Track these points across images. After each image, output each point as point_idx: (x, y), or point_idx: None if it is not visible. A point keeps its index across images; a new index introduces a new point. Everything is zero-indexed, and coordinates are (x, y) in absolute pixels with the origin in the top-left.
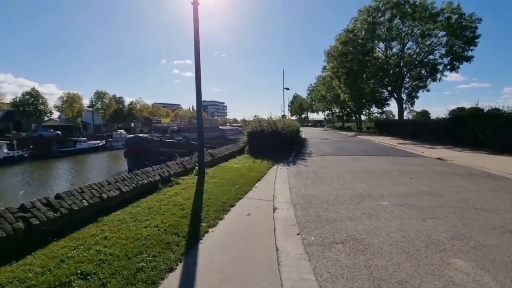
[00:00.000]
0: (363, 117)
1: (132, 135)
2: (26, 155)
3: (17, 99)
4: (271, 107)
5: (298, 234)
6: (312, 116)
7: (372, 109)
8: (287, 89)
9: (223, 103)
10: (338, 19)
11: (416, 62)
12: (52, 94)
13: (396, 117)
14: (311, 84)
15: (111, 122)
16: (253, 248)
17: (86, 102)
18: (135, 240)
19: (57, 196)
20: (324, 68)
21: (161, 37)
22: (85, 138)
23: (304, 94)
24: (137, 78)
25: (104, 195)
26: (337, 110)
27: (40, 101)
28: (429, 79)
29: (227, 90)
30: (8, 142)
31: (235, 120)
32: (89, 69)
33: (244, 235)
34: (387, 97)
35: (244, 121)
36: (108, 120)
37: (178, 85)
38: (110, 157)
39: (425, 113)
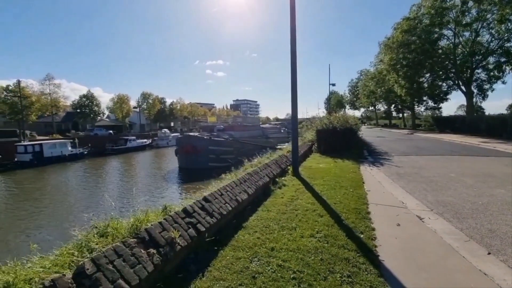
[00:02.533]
0: (406, 114)
1: (182, 134)
2: (85, 152)
3: (75, 101)
4: (304, 105)
5: (489, 254)
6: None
7: (428, 104)
8: (333, 84)
9: (256, 101)
10: (371, 18)
11: (494, 49)
12: (99, 96)
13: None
14: (352, 80)
15: (154, 121)
16: (453, 273)
17: (131, 103)
18: (306, 253)
19: (206, 199)
20: (380, 61)
21: (195, 39)
22: (134, 137)
23: (337, 90)
24: (173, 79)
25: (239, 198)
26: (385, 107)
27: (94, 103)
28: (509, 69)
29: (258, 89)
30: (71, 140)
31: (267, 119)
32: (129, 72)
33: (422, 253)
34: (447, 91)
35: (276, 119)
36: (151, 120)
37: (211, 85)
38: (157, 155)
39: (478, 109)
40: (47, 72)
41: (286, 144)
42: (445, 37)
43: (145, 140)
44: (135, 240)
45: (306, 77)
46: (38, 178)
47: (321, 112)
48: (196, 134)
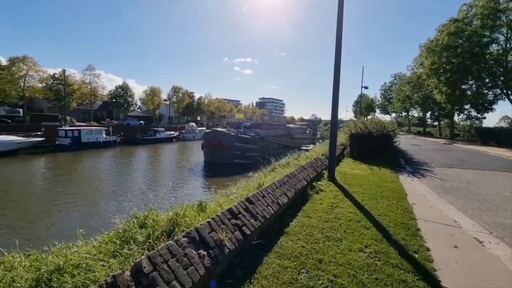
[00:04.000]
0: (442, 122)
1: (210, 129)
2: (118, 140)
3: (112, 91)
4: (330, 107)
5: None
6: (378, 117)
7: (470, 113)
8: (366, 87)
9: (282, 100)
10: (405, 22)
11: None
12: (133, 88)
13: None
14: (385, 83)
15: (182, 115)
16: None
17: (162, 96)
18: (358, 270)
19: (249, 201)
20: (420, 64)
21: (225, 37)
22: (163, 129)
23: (367, 93)
24: (202, 74)
25: (280, 201)
26: (419, 113)
27: (128, 94)
28: None
29: (283, 88)
30: (106, 128)
31: (292, 119)
32: (162, 66)
33: (489, 283)
34: (493, 100)
35: (301, 119)
36: (179, 113)
37: (238, 82)
38: (183, 148)
39: None
40: (89, 63)
41: (311, 145)
42: (496, 42)
43: (172, 132)
44: (187, 239)
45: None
46: (75, 162)
47: (349, 115)
48: (223, 129)
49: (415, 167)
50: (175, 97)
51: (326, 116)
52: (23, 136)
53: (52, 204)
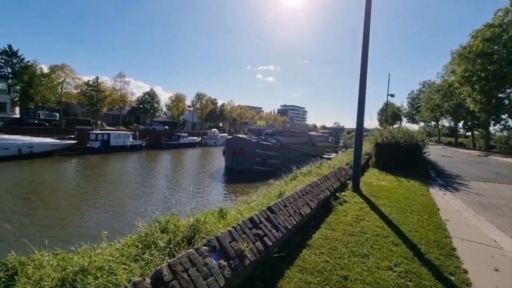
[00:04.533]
0: (476, 133)
1: (232, 135)
2: (144, 144)
3: (139, 97)
4: (354, 115)
5: None
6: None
7: (508, 124)
8: (392, 95)
9: (303, 108)
10: (430, 29)
11: None
12: (159, 94)
13: None
14: (412, 91)
15: (204, 121)
16: None
17: (186, 102)
18: None
19: (271, 210)
20: (451, 72)
21: (249, 45)
22: (186, 134)
23: (393, 101)
24: (225, 81)
25: (302, 212)
26: (450, 123)
27: (155, 100)
28: None
29: (306, 95)
30: (133, 133)
31: (314, 126)
32: (187, 73)
33: None
34: None
35: (323, 127)
36: (202, 119)
37: (260, 89)
38: (205, 153)
39: None
40: (120, 70)
41: (334, 153)
42: None
43: (195, 137)
44: (207, 248)
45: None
46: (103, 164)
47: (374, 123)
48: (245, 136)
49: (447, 180)
50: (198, 103)
51: (349, 124)
52: (58, 139)
53: (81, 204)
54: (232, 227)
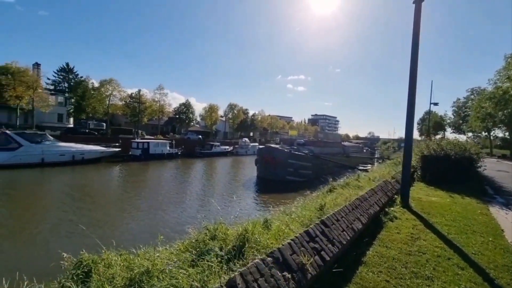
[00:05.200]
0: None
1: (264, 145)
2: (179, 153)
3: (176, 108)
4: (390, 124)
5: None
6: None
7: None
8: (436, 104)
9: (335, 117)
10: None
11: None
12: (193, 105)
13: None
14: (458, 99)
15: (236, 130)
16: None
17: (219, 112)
18: None
19: (324, 224)
20: (507, 78)
21: (279, 56)
22: (219, 143)
23: (435, 110)
24: (256, 92)
25: (354, 227)
26: (505, 134)
27: (190, 111)
28: None
29: (337, 104)
30: (170, 142)
31: (347, 136)
32: (219, 84)
33: None
34: None
35: (356, 137)
36: (233, 129)
37: (290, 99)
38: (237, 162)
39: None
40: (158, 83)
41: (369, 165)
42: None
43: (227, 147)
44: (271, 259)
45: (394, 93)
46: (144, 170)
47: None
48: (277, 146)
49: (508, 198)
50: (230, 113)
51: (384, 134)
52: (105, 147)
53: (127, 207)
54: (291, 240)
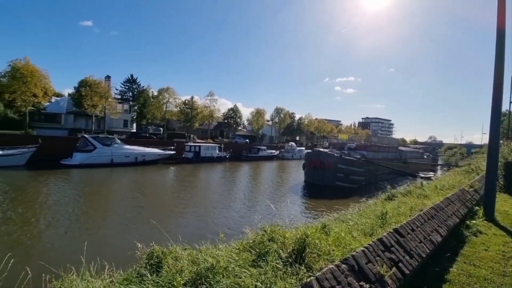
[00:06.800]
0: None
1: (312, 149)
2: (227, 156)
3: (224, 113)
4: (456, 128)
5: None
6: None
7: None
8: None
9: (390, 120)
10: None
11: None
12: (240, 110)
13: None
14: None
15: (282, 134)
16: None
17: (265, 116)
18: None
19: (398, 233)
20: None
21: (326, 58)
22: (265, 147)
23: None
24: (302, 95)
25: (433, 239)
26: None
27: (237, 115)
28: None
29: (392, 106)
30: (219, 145)
31: (403, 141)
32: (265, 89)
33: None
34: None
35: (414, 142)
36: (279, 133)
37: (339, 102)
38: (283, 166)
39: None
40: (208, 90)
41: (431, 173)
42: None
43: (273, 151)
44: (346, 266)
45: (461, 93)
46: (196, 172)
47: (486, 138)
48: (326, 150)
49: None
50: (277, 117)
51: (448, 138)
52: (162, 149)
53: (183, 204)
54: (365, 247)
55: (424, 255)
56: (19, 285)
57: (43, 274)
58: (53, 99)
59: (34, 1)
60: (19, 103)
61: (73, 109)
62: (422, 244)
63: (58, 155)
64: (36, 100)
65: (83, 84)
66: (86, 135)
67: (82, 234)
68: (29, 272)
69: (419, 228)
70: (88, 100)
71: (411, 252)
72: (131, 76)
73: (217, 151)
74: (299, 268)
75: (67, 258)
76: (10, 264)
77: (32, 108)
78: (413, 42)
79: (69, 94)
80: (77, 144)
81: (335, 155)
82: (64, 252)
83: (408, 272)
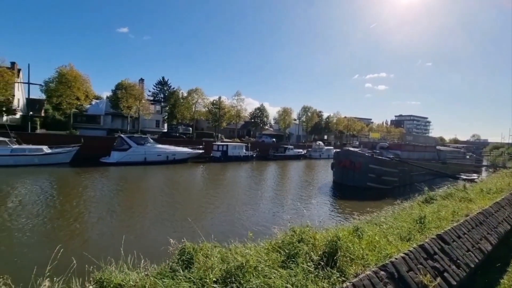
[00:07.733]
0: None
1: (341, 148)
2: (254, 155)
3: (251, 113)
4: (501, 127)
5: None
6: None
7: None
8: None
9: (426, 118)
10: None
11: None
12: (267, 109)
13: None
14: None
15: (309, 133)
16: None
17: (292, 115)
18: None
19: (443, 239)
20: None
21: (355, 55)
22: (292, 146)
23: None
24: (330, 93)
25: (482, 247)
26: None
27: (264, 115)
28: None
29: (428, 103)
30: (246, 144)
31: (441, 139)
32: (292, 87)
33: None
34: None
35: (455, 141)
36: (307, 132)
37: (369, 99)
38: (310, 166)
39: None
40: (237, 90)
41: (475, 174)
42: None
43: (300, 150)
44: (384, 274)
45: (509, 88)
46: (224, 170)
47: None
48: (357, 149)
49: None
50: (304, 116)
51: (495, 137)
52: (191, 149)
53: (212, 202)
54: (405, 254)
55: (472, 265)
56: (66, 274)
57: (86, 265)
58: (93, 102)
59: (78, 16)
60: (64, 106)
61: (110, 110)
62: (470, 253)
63: (98, 153)
64: (78, 103)
65: (119, 87)
66: (122, 135)
67: (122, 228)
68: (75, 262)
69: (465, 235)
70: (124, 102)
71: (458, 261)
72: (163, 78)
73: (244, 150)
74: (331, 272)
75: (108, 251)
76: (60, 254)
77: (76, 110)
78: (454, 33)
79: (107, 97)
80: (114, 143)
81: (366, 154)
82: (105, 244)
83: (455, 283)
